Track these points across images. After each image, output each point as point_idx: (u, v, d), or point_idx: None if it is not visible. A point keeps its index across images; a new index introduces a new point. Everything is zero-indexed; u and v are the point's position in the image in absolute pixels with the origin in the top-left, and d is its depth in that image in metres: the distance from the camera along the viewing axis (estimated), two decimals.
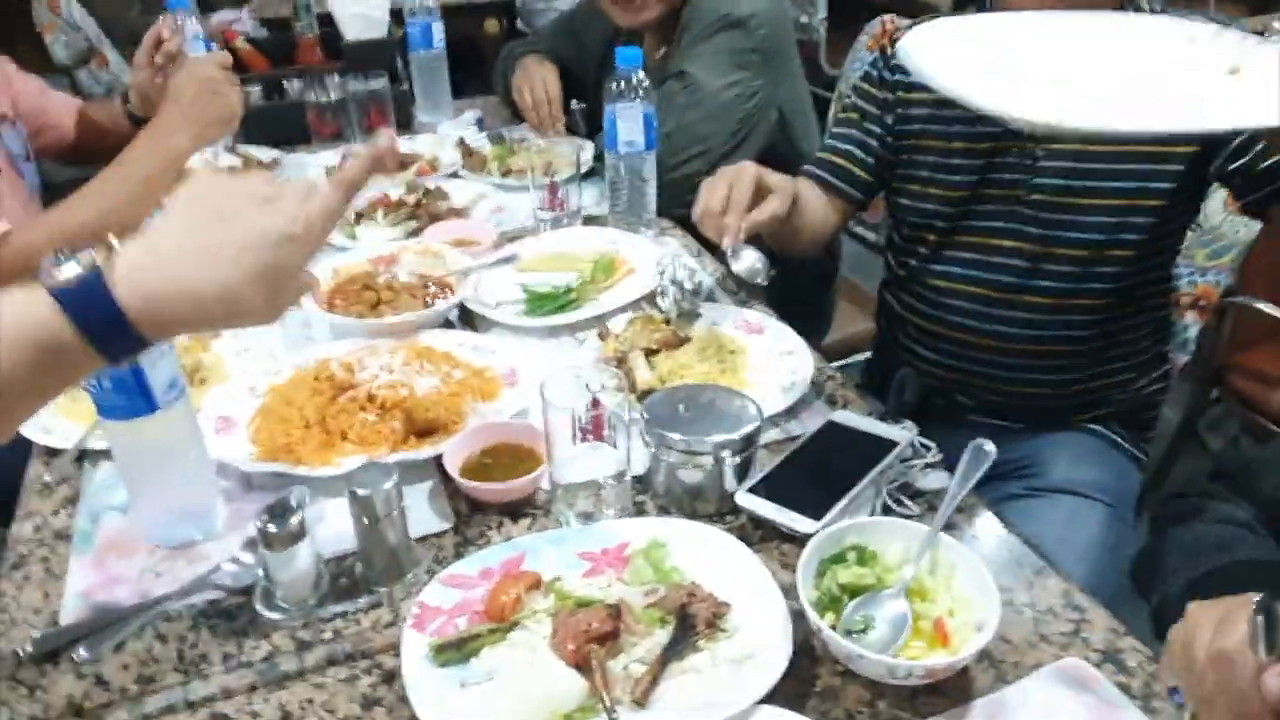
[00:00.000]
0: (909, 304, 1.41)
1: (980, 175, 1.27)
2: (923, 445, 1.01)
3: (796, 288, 1.60)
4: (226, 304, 0.66)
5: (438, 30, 2.01)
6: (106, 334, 0.63)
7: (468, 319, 1.32)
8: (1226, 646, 0.60)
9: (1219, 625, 0.62)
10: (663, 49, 1.77)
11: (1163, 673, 0.70)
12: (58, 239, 1.42)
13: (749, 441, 0.95)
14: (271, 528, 0.81)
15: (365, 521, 0.84)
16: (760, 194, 1.17)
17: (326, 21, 2.12)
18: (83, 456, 1.06)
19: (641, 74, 1.42)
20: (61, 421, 1.10)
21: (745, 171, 1.17)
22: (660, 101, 1.56)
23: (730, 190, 1.16)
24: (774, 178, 1.20)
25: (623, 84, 1.42)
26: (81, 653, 0.82)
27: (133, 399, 0.85)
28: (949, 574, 0.82)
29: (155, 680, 0.80)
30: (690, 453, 0.93)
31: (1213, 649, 0.61)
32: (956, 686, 0.77)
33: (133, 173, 1.40)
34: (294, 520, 0.82)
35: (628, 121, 1.41)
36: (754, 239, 1.18)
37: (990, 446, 0.88)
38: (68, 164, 1.92)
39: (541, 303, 1.32)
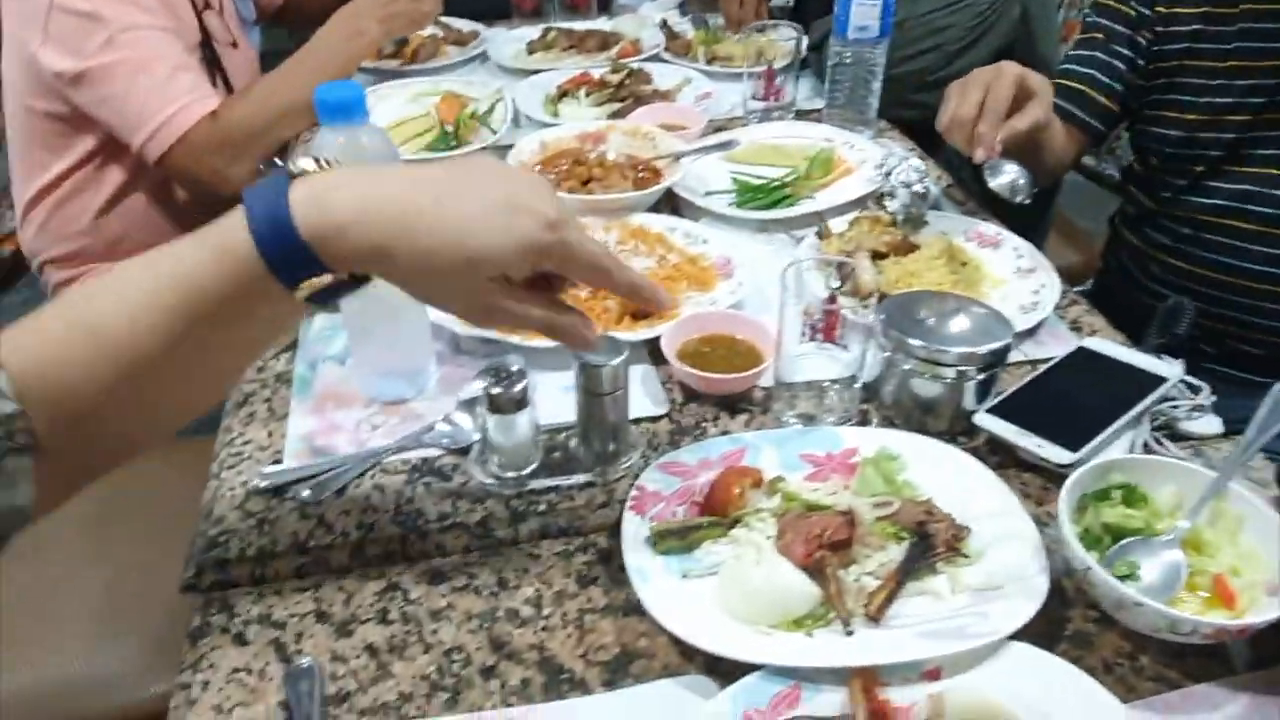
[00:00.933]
0: (1155, 240, 1.27)
1: (1268, 97, 1.11)
2: (1191, 385, 0.90)
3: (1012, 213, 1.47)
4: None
5: None
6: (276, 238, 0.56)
7: (674, 207, 1.26)
8: None
9: None
10: None
11: None
12: (261, 117, 1.44)
13: (997, 358, 0.86)
14: (497, 390, 0.79)
15: (589, 394, 0.81)
16: (1019, 101, 1.05)
17: None
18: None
19: None
20: None
21: (1005, 73, 1.05)
22: None
23: (986, 95, 1.04)
24: (1035, 79, 1.07)
25: None
26: (305, 494, 0.83)
27: None
28: (1234, 528, 0.72)
29: (374, 529, 0.80)
30: (930, 362, 0.85)
31: None
32: (1235, 654, 0.68)
33: (323, 57, 1.44)
34: (519, 386, 0.80)
35: (864, 4, 1.29)
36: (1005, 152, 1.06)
37: None
38: (273, 26, 1.95)
39: (753, 195, 1.25)
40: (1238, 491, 0.73)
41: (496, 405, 0.80)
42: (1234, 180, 1.17)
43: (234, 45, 1.64)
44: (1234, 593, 0.68)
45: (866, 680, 0.64)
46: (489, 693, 0.66)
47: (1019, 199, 1.03)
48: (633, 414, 0.89)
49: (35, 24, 1.35)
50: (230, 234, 0.57)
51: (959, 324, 0.88)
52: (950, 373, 0.85)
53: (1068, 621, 0.71)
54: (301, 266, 0.57)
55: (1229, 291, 1.19)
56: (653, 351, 0.97)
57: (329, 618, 0.72)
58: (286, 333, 0.67)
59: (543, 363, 0.94)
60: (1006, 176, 1.03)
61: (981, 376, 0.85)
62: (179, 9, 1.50)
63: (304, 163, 0.60)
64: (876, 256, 1.07)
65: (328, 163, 0.61)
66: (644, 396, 0.93)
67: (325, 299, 0.60)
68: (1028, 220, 1.80)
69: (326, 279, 0.58)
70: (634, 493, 0.79)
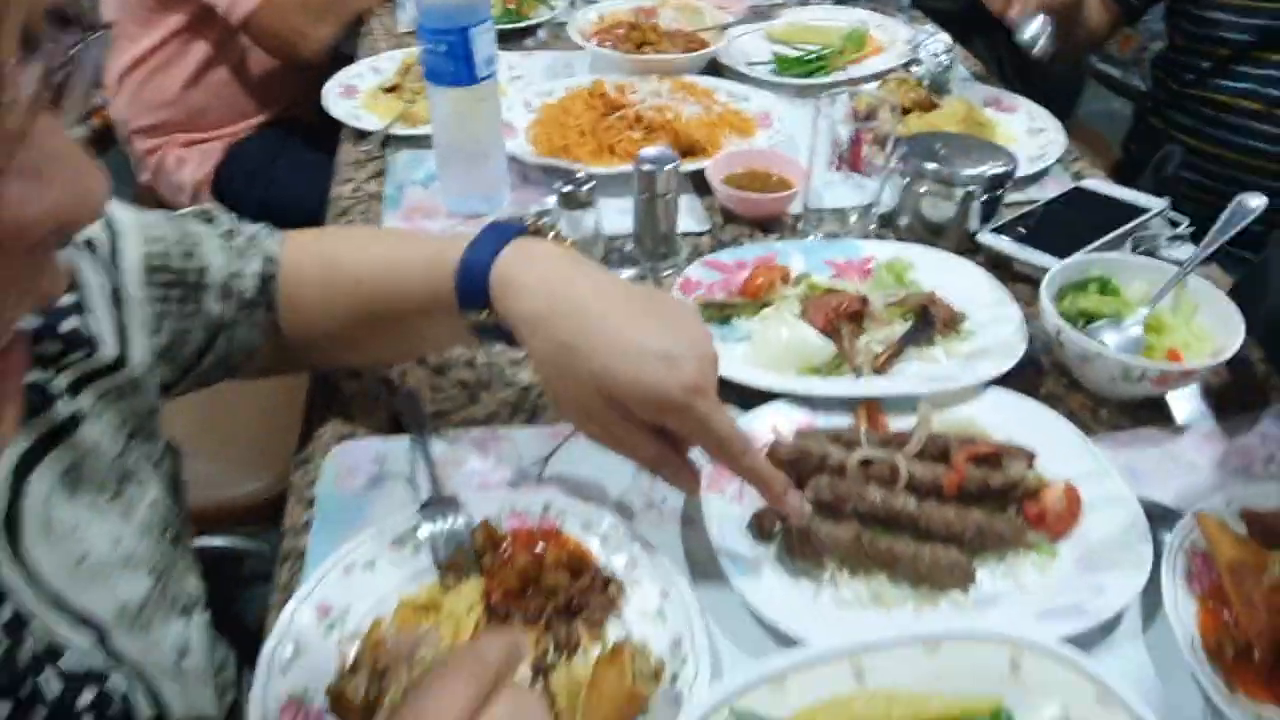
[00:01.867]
0: (1177, 121, 1.37)
1: None
2: (1173, 220, 1.02)
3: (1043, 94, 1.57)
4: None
5: None
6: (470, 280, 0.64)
7: (720, 78, 1.38)
8: None
9: None
10: None
11: None
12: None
13: (998, 182, 0.98)
14: (569, 188, 0.93)
15: (645, 196, 0.95)
16: None
17: None
18: (387, 142, 1.21)
19: None
20: (367, 115, 1.26)
21: None
22: None
23: None
24: None
25: None
26: None
27: (458, 67, 0.97)
28: (1190, 312, 0.85)
29: None
30: (942, 183, 0.98)
31: None
32: (1179, 409, 0.82)
33: None
34: (586, 188, 0.94)
35: None
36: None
37: (1259, 200, 0.88)
38: None
39: (791, 65, 1.37)
40: (1197, 282, 0.85)
41: (568, 202, 0.93)
42: (1259, 65, 1.26)
43: None
44: (1183, 360, 0.82)
45: (870, 408, 0.79)
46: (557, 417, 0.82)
47: (1038, 50, 1.14)
48: (680, 228, 1.02)
49: None
50: (448, 252, 0.66)
51: (969, 154, 1.01)
52: (959, 193, 0.98)
53: (1041, 385, 0.85)
54: (477, 307, 0.65)
55: (1245, 172, 1.30)
56: (698, 185, 1.10)
57: (425, 363, 0.87)
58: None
59: (606, 189, 1.08)
60: (1032, 27, 1.14)
61: (985, 197, 0.98)
62: None
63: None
64: (902, 112, 1.19)
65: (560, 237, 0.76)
66: (689, 216, 1.06)
67: (482, 334, 0.68)
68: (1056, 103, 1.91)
69: (489, 319, 0.66)
70: (680, 280, 0.93)
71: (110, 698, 0.50)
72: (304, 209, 1.13)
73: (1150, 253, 1.00)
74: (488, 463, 0.77)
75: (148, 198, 1.85)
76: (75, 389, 0.53)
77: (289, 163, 1.77)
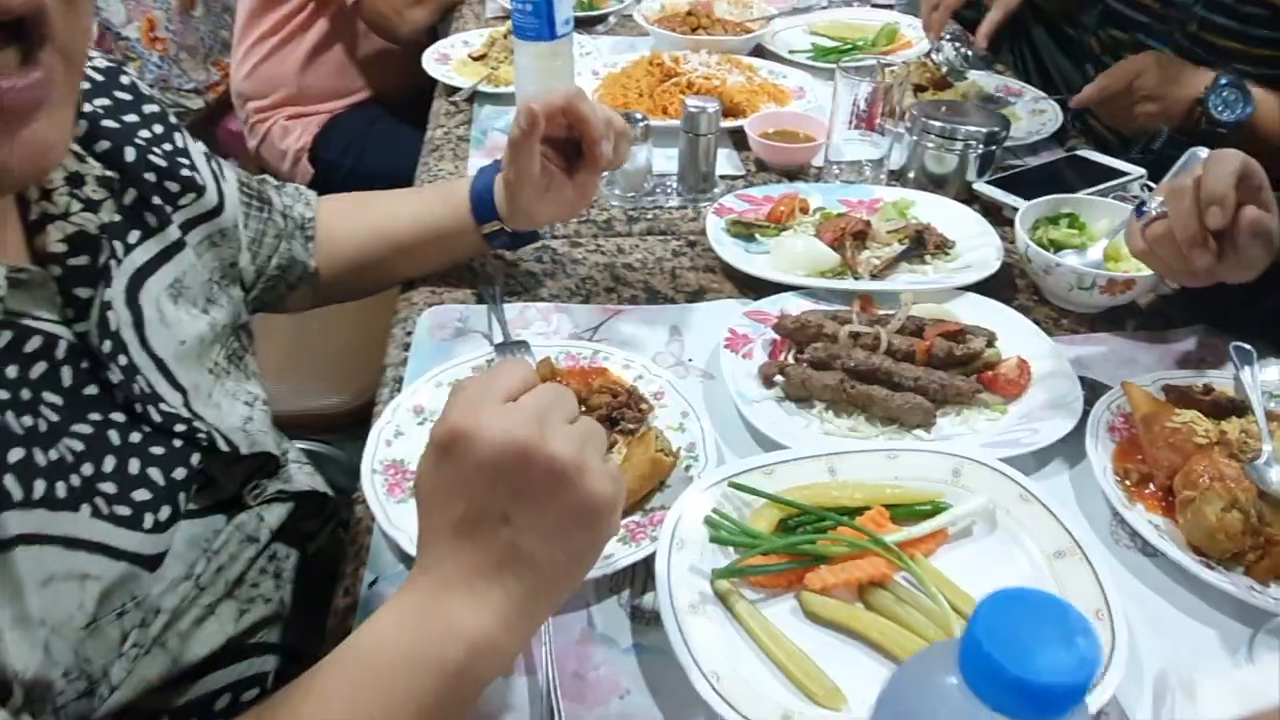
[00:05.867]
0: None
1: None
2: (1150, 187, 1.18)
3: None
4: None
5: None
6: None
7: None
8: None
9: None
10: None
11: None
12: None
13: (993, 138, 1.15)
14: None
15: (689, 134, 1.13)
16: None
17: None
18: (473, 98, 1.42)
19: None
20: (458, 77, 1.47)
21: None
22: None
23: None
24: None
25: None
26: None
27: (540, 24, 1.17)
28: None
29: None
30: (945, 137, 1.15)
31: None
32: (1128, 319, 0.97)
33: None
34: (641, 124, 1.12)
35: None
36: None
37: (1205, 152, 1.03)
38: None
39: (828, 53, 1.55)
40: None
41: None
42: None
43: None
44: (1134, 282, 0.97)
45: (864, 300, 0.96)
46: (610, 300, 1.00)
47: (955, 70, 1.38)
48: (719, 171, 1.20)
49: None
50: (457, 186, 0.96)
51: (968, 116, 1.17)
52: (958, 145, 1.15)
53: (1013, 300, 1.01)
54: (488, 218, 0.94)
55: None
56: (737, 141, 1.28)
57: (502, 258, 1.06)
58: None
59: (658, 140, 1.26)
60: (943, 54, 1.40)
61: (982, 150, 1.15)
62: None
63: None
64: (918, 90, 1.36)
65: None
66: (727, 163, 1.24)
67: (494, 240, 0.97)
68: None
69: (499, 227, 0.95)
70: (715, 206, 1.11)
71: (196, 430, 0.67)
72: (390, 180, 1.32)
73: None
74: (550, 326, 0.95)
75: (252, 163, 2.09)
76: (186, 227, 0.72)
77: (379, 137, 1.99)
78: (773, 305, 0.95)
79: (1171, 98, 1.18)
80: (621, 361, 0.87)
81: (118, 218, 0.66)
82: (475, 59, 1.52)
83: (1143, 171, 1.18)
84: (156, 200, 0.69)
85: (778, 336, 0.91)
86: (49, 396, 0.56)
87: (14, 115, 0.47)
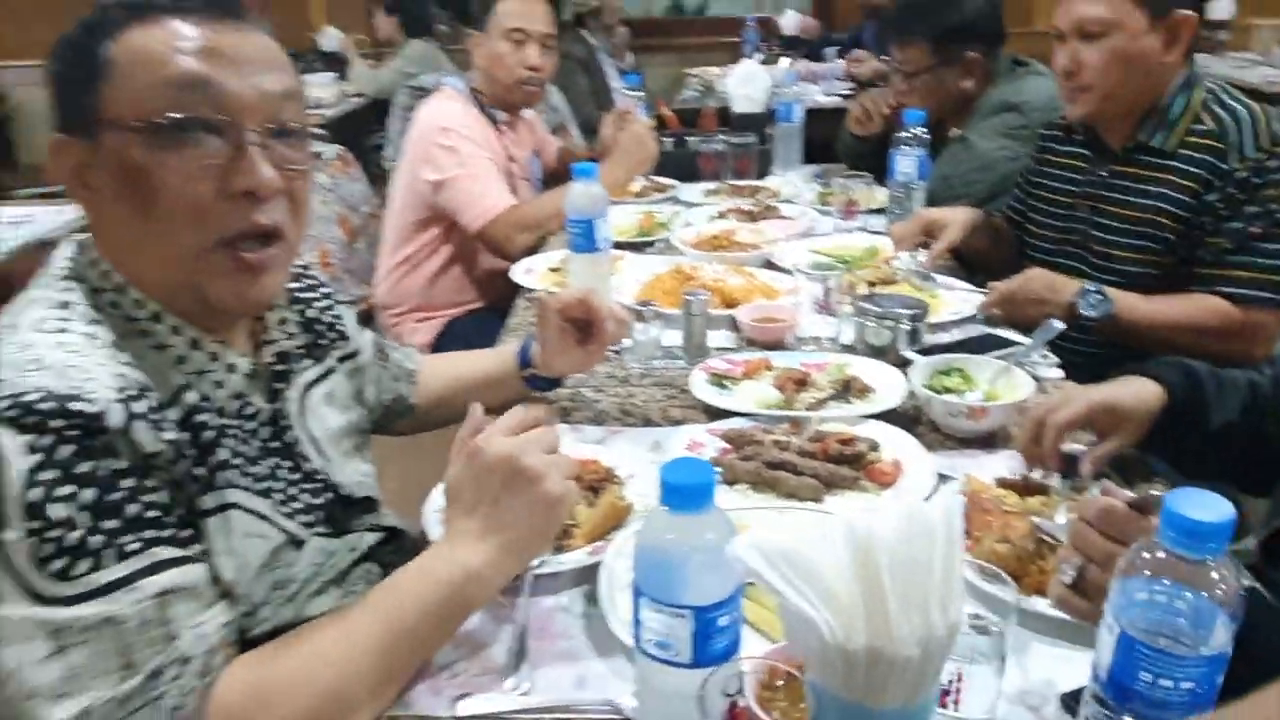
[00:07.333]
0: None
1: None
2: (1046, 355, 1.52)
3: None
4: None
5: (798, 110, 2.79)
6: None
7: None
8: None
9: None
10: (952, 129, 2.38)
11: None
12: (540, 212, 2.35)
13: (917, 316, 1.53)
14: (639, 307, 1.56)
15: (687, 315, 1.56)
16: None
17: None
18: None
19: (921, 129, 2.06)
20: (538, 283, 1.97)
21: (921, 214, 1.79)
22: (945, 156, 2.19)
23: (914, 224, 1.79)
24: (957, 213, 1.80)
25: (909, 134, 2.07)
26: None
27: (587, 240, 1.65)
28: (1015, 390, 1.34)
29: None
30: (880, 316, 1.53)
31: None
32: (1000, 443, 1.30)
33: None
34: (651, 310, 1.56)
35: (907, 157, 2.06)
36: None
37: (1061, 325, 1.38)
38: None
39: (820, 266, 1.99)
40: (1016, 370, 1.35)
41: (638, 317, 1.56)
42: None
43: (525, 179, 2.63)
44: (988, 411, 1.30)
45: (794, 424, 1.32)
46: (616, 425, 1.39)
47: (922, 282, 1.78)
48: (714, 344, 1.62)
49: (421, 156, 2.36)
50: (506, 349, 1.42)
51: (899, 303, 1.56)
52: (890, 322, 1.53)
53: (915, 428, 1.35)
54: (526, 366, 1.38)
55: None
56: (734, 325, 1.71)
57: (543, 399, 1.48)
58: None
59: (669, 324, 1.69)
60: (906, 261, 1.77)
61: (908, 326, 1.52)
62: (497, 154, 2.48)
63: None
64: (870, 284, 1.77)
65: None
66: (724, 339, 1.66)
67: (530, 384, 1.39)
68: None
69: (532, 373, 1.38)
70: (703, 364, 1.51)
71: (329, 479, 1.09)
72: None
73: (1027, 369, 1.50)
74: (569, 438, 1.35)
75: None
76: (339, 360, 1.18)
77: (490, 338, 2.51)
78: (727, 425, 1.33)
79: (1053, 301, 1.58)
80: (606, 455, 1.26)
81: (301, 348, 1.12)
82: (553, 270, 2.03)
83: (1039, 343, 1.52)
84: (323, 342, 1.16)
85: (725, 444, 1.28)
86: (254, 441, 1.00)
87: (261, 271, 0.94)
